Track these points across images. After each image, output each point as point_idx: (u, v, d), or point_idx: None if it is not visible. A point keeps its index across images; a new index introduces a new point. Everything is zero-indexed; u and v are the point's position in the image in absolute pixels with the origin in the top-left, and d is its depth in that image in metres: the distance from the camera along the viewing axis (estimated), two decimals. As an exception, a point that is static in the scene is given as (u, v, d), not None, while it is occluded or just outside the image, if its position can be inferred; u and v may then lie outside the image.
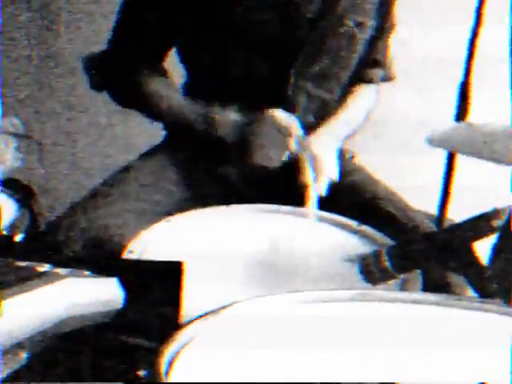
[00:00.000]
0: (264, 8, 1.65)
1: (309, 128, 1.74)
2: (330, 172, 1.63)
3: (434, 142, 1.37)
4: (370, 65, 1.84)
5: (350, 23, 1.70)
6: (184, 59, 1.77)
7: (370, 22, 1.74)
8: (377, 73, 1.85)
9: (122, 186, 1.62)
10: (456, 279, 1.39)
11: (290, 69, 1.70)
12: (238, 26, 1.66)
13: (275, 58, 1.68)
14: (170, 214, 1.52)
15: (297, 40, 1.68)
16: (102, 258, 1.37)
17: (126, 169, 1.70)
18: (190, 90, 1.80)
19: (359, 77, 1.83)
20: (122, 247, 1.36)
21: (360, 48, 1.75)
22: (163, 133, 1.85)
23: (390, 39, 1.85)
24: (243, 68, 1.69)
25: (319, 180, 1.60)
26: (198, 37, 1.69)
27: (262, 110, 1.68)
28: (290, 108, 1.71)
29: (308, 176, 1.60)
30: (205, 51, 1.71)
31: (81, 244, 1.46)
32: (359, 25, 1.71)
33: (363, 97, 1.84)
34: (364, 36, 1.74)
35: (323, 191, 1.59)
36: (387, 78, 1.88)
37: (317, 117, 1.77)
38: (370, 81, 1.85)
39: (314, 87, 1.73)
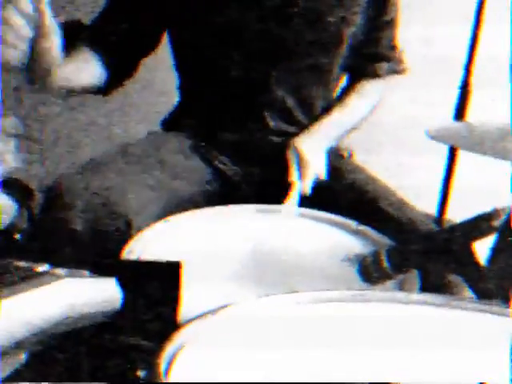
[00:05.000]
0: (246, 5, 1.65)
1: (300, 125, 1.74)
2: (317, 171, 1.64)
3: (433, 135, 1.37)
4: (374, 59, 1.83)
5: (333, 18, 1.69)
6: (177, 58, 1.78)
7: (357, 16, 1.73)
8: (382, 66, 1.84)
9: (123, 179, 1.61)
10: (455, 279, 1.39)
11: (274, 65, 1.70)
12: (223, 23, 1.66)
13: (258, 55, 1.68)
14: (170, 210, 1.53)
15: (280, 36, 1.68)
16: (101, 257, 1.37)
17: (126, 164, 1.69)
18: (183, 92, 1.80)
19: (363, 72, 1.83)
20: (123, 238, 1.36)
21: (350, 42, 1.74)
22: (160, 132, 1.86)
23: (394, 31, 1.84)
24: (229, 66, 1.69)
25: (304, 179, 1.61)
26: (188, 35, 1.70)
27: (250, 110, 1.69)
28: (276, 105, 1.71)
29: (293, 174, 1.62)
30: (194, 50, 1.71)
31: (81, 222, 1.46)
32: (344, 20, 1.71)
33: (364, 93, 1.84)
34: (352, 31, 1.73)
35: (307, 190, 1.61)
36: (398, 71, 1.87)
37: (309, 113, 1.76)
38: (374, 75, 1.85)
39: (302, 82, 1.73)
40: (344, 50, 1.74)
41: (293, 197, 1.57)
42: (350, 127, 1.80)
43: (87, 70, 1.65)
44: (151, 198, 1.58)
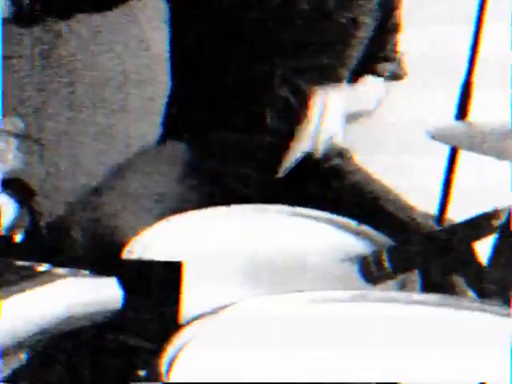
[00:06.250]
0: (250, 4, 1.65)
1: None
2: (334, 129, 1.60)
3: (434, 135, 1.36)
4: (379, 60, 1.83)
5: (342, 19, 1.69)
6: (177, 58, 1.77)
7: (368, 19, 1.73)
8: (386, 67, 1.84)
9: (122, 184, 1.62)
10: (456, 279, 1.39)
11: (277, 65, 1.70)
12: (226, 22, 1.66)
13: (261, 55, 1.68)
14: (170, 211, 1.53)
15: (283, 35, 1.68)
16: (102, 257, 1.37)
17: (125, 167, 1.69)
18: (181, 94, 1.80)
19: (368, 70, 1.83)
20: (123, 245, 1.36)
21: (359, 44, 1.74)
22: (160, 131, 1.86)
23: (398, 35, 1.84)
24: (231, 66, 1.69)
25: (321, 131, 1.57)
26: (190, 35, 1.70)
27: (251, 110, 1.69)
28: (278, 105, 1.71)
29: (312, 119, 1.57)
30: (195, 49, 1.71)
31: (82, 243, 1.46)
32: (353, 21, 1.71)
33: (375, 84, 1.84)
34: (362, 33, 1.73)
35: (320, 149, 1.57)
36: (398, 76, 1.87)
37: None
38: (378, 75, 1.85)
39: (306, 82, 1.73)
40: (353, 51, 1.74)
41: (289, 158, 1.53)
42: (363, 108, 1.79)
43: None
44: (150, 200, 1.58)
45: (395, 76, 1.87)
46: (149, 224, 1.45)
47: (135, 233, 1.41)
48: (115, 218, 1.50)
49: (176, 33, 1.75)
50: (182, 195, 1.66)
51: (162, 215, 1.51)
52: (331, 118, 1.60)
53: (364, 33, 1.74)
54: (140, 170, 1.68)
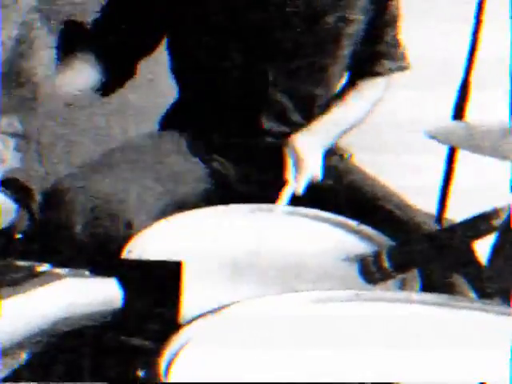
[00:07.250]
0: (246, 4, 1.65)
1: (296, 126, 1.74)
2: (312, 171, 1.62)
3: (432, 135, 1.37)
4: (377, 57, 1.83)
5: (332, 18, 1.69)
6: (175, 60, 1.78)
7: (359, 17, 1.73)
8: (385, 65, 1.83)
9: (122, 182, 1.61)
10: (456, 279, 1.39)
11: (271, 65, 1.69)
12: (221, 23, 1.66)
13: (256, 56, 1.68)
14: (169, 211, 1.53)
15: (277, 36, 1.68)
16: (101, 257, 1.37)
17: (125, 165, 1.68)
18: (180, 93, 1.80)
19: (366, 70, 1.83)
20: (122, 243, 1.36)
21: (351, 42, 1.74)
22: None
23: (396, 29, 1.83)
24: (226, 67, 1.69)
25: (298, 179, 1.59)
26: (187, 35, 1.70)
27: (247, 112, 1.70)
28: (273, 106, 1.71)
29: (289, 173, 1.60)
30: (192, 50, 1.71)
31: (81, 223, 1.46)
32: (344, 19, 1.70)
33: (364, 92, 1.83)
34: (352, 30, 1.72)
35: (300, 190, 1.58)
36: (401, 68, 1.86)
37: (306, 114, 1.76)
38: (377, 74, 1.84)
39: (299, 83, 1.73)
40: (344, 49, 1.73)
41: (284, 196, 1.55)
42: (348, 126, 1.79)
43: (81, 75, 1.67)
44: (151, 197, 1.58)
45: (397, 69, 1.85)
46: (148, 223, 1.45)
47: (134, 233, 1.41)
48: (114, 217, 1.50)
49: (173, 34, 1.75)
50: (181, 195, 1.66)
51: (161, 214, 1.51)
52: (306, 161, 1.62)
53: (355, 30, 1.73)
54: (139, 169, 1.68)
